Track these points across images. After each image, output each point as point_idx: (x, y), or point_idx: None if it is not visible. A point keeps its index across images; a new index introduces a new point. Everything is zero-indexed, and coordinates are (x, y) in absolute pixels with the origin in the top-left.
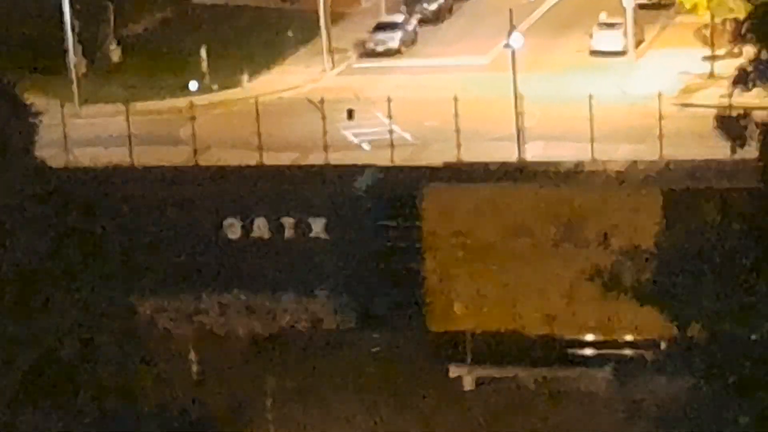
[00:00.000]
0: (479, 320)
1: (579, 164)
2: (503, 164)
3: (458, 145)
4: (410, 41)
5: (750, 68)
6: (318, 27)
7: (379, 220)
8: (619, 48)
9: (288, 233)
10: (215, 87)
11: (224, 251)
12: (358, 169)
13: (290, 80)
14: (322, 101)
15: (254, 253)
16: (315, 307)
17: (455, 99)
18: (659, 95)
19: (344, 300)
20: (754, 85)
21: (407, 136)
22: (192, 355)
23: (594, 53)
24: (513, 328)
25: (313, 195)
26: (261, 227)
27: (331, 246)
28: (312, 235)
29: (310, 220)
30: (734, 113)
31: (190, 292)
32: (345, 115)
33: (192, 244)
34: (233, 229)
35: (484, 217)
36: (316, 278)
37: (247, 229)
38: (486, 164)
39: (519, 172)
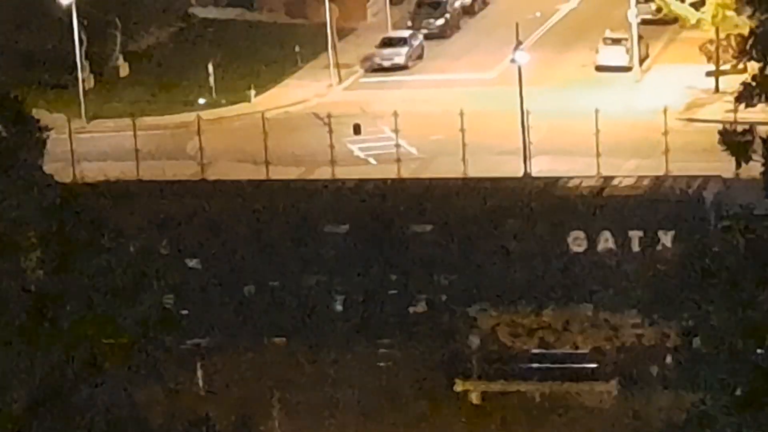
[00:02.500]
0: None
1: None
2: None
3: (464, 160)
4: (417, 56)
5: (754, 83)
6: (325, 42)
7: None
8: (625, 63)
9: (634, 246)
10: (223, 102)
11: (569, 264)
12: (702, 181)
13: (297, 95)
14: (329, 116)
15: (599, 266)
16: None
17: (461, 113)
18: (664, 110)
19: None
20: (759, 101)
21: (413, 150)
22: None
23: (599, 68)
24: None
25: (660, 207)
26: (606, 240)
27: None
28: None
29: (660, 233)
30: (739, 128)
31: (531, 305)
32: (352, 129)
33: (536, 257)
34: (579, 242)
35: None
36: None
37: (592, 242)
38: None
39: None
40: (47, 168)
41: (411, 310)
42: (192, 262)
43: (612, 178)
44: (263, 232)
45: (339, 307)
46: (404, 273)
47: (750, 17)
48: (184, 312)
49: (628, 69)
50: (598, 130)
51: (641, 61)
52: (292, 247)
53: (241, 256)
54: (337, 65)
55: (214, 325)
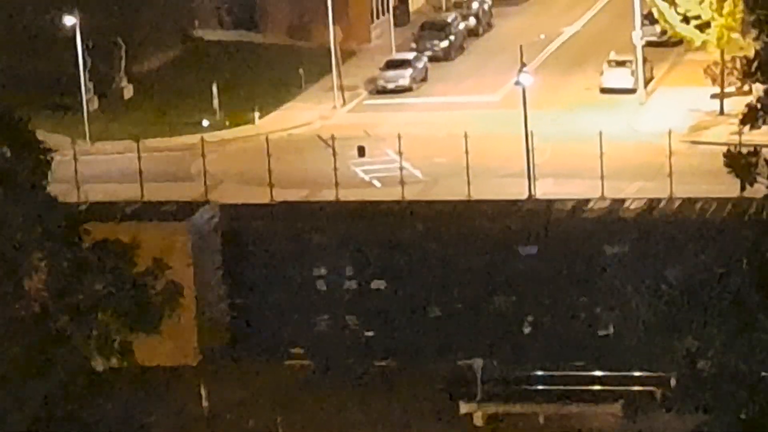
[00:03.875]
0: None
1: None
2: None
3: (468, 182)
4: (420, 78)
5: (759, 105)
6: (328, 64)
7: None
8: (629, 85)
9: None
10: (227, 124)
11: None
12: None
13: (301, 117)
14: (332, 138)
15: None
16: None
17: (465, 136)
18: (669, 132)
19: None
20: (764, 123)
21: (417, 172)
22: None
23: (604, 90)
24: None
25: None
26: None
27: None
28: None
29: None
30: (744, 150)
31: None
32: (356, 151)
33: None
34: None
35: None
36: None
37: None
38: None
39: None
40: (51, 189)
41: (600, 332)
42: (377, 284)
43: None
44: (451, 253)
45: (527, 329)
46: (592, 294)
47: (755, 39)
48: (369, 333)
49: (632, 91)
50: (602, 153)
51: (646, 84)
52: (481, 268)
53: (427, 277)
54: (341, 87)
55: (398, 346)
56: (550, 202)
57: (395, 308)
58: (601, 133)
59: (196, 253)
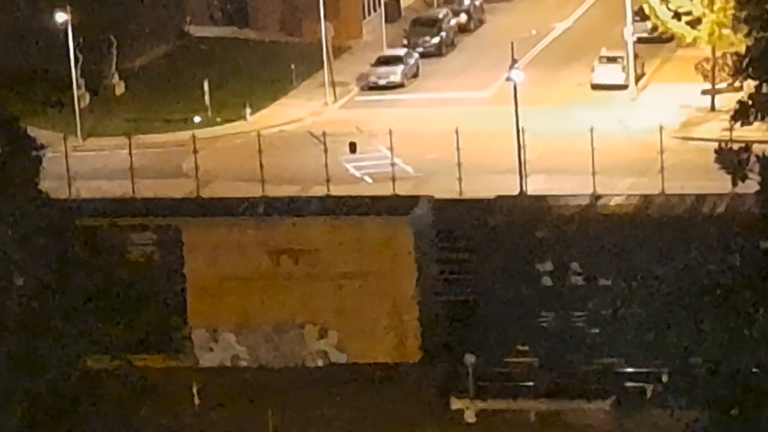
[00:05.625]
0: None
1: None
2: None
3: (460, 179)
4: (412, 74)
5: (750, 102)
6: (320, 60)
7: None
8: (621, 81)
9: None
10: (218, 120)
11: None
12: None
13: (292, 113)
14: (324, 134)
15: None
16: None
17: (457, 132)
18: (660, 128)
19: None
20: (755, 119)
21: (409, 168)
22: None
23: (595, 87)
24: None
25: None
26: None
27: None
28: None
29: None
30: (735, 146)
31: None
32: (347, 148)
33: None
34: None
35: None
36: None
37: None
38: None
39: None
40: (43, 186)
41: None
42: (604, 281)
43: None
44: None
45: None
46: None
47: (746, 36)
48: (595, 331)
49: (624, 87)
50: (593, 149)
51: (637, 80)
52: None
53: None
54: (333, 83)
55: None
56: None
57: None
58: (592, 130)
59: (417, 248)
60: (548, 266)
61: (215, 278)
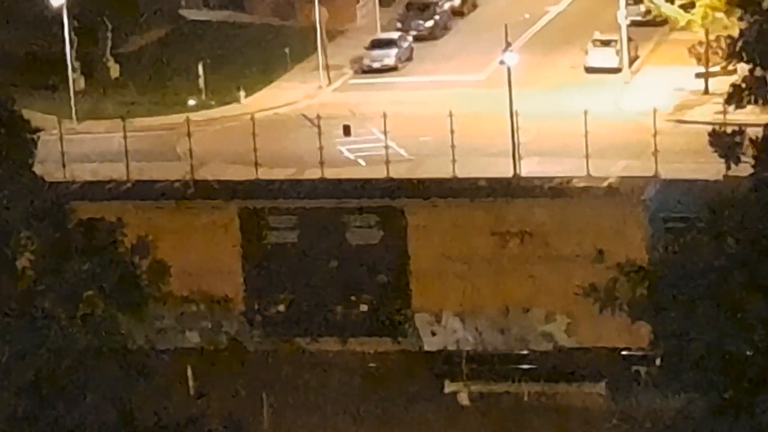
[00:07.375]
0: None
1: None
2: None
3: (453, 161)
4: (406, 58)
5: (744, 85)
6: (314, 43)
7: None
8: (614, 64)
9: None
10: (213, 103)
11: None
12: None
13: (287, 96)
14: (318, 117)
15: None
16: None
17: (450, 115)
18: (654, 111)
19: None
20: (749, 102)
21: (403, 151)
22: None
23: (589, 70)
24: None
25: None
26: None
27: None
28: None
29: None
30: (728, 129)
31: None
32: (341, 130)
33: None
34: None
35: None
36: None
37: None
38: None
39: None
40: (37, 169)
41: None
42: None
43: None
44: None
45: None
46: None
47: (739, 19)
48: None
49: (617, 71)
50: (587, 132)
51: (630, 63)
52: None
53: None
54: (327, 67)
55: None
56: None
57: None
58: (586, 112)
59: (649, 230)
60: None
61: (439, 261)
